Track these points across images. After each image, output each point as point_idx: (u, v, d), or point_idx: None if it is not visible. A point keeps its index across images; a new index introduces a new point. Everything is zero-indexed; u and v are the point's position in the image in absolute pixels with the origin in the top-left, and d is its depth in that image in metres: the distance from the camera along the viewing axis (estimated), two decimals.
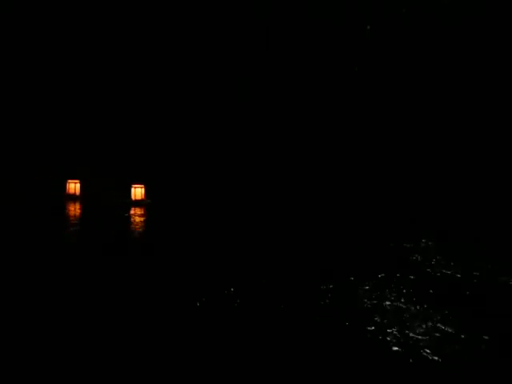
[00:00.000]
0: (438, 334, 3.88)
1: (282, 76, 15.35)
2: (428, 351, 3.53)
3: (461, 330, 4.00)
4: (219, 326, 3.73)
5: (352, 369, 3.20)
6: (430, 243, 8.24)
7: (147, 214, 10.17)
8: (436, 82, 14.78)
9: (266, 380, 3.00)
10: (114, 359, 3.12)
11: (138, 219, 9.55)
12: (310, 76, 15.44)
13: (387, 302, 4.71)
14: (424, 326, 4.05)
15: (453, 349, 3.59)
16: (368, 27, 15.32)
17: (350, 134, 15.08)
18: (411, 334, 3.84)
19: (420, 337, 3.80)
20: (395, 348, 3.55)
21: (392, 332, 3.87)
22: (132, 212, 10.53)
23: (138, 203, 11.72)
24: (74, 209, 10.51)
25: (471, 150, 14.12)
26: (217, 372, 3.06)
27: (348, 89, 15.26)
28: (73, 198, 12.02)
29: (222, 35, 15.21)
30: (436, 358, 3.41)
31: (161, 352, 3.26)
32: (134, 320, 3.72)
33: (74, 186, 12.00)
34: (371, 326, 4.00)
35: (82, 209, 10.51)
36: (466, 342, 3.74)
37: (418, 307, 4.60)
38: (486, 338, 3.85)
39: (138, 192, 11.75)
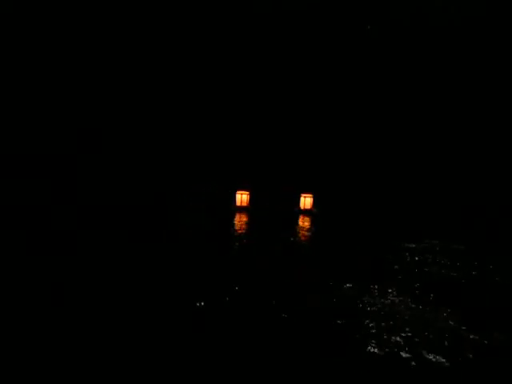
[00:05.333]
0: (438, 334, 3.90)
1: (280, 75, 15.35)
2: (428, 351, 3.55)
3: (461, 329, 4.02)
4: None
5: (351, 369, 3.23)
6: (431, 244, 8.27)
7: (314, 224, 10.64)
8: (436, 82, 14.80)
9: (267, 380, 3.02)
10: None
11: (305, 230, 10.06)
12: (309, 75, 15.44)
13: (388, 303, 4.73)
14: (425, 326, 4.07)
15: (454, 348, 3.61)
16: (368, 27, 15.33)
17: (350, 134, 15.09)
18: (411, 334, 3.86)
19: (420, 337, 3.82)
20: (396, 348, 3.57)
21: (393, 332, 3.89)
22: (300, 220, 11.06)
23: (306, 212, 11.95)
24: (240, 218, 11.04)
25: (471, 151, 14.15)
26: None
27: (348, 88, 15.26)
28: (243, 209, 11.98)
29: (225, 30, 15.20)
30: (437, 357, 3.43)
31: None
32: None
33: (243, 198, 12.01)
34: (372, 326, 4.02)
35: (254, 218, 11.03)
36: (467, 342, 3.76)
37: (418, 307, 4.62)
38: (487, 337, 3.88)
39: (307, 201, 11.98)
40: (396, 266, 6.56)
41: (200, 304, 4.37)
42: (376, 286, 5.38)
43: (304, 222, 10.82)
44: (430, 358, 3.50)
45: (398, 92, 14.94)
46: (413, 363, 3.39)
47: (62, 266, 5.54)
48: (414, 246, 8.19)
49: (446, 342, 3.81)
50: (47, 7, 14.77)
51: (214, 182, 13.41)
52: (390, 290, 5.25)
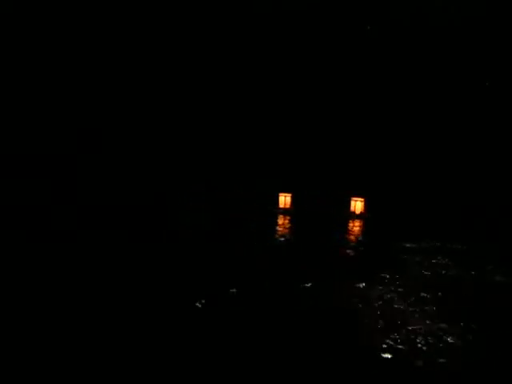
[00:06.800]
0: (437, 334, 3.91)
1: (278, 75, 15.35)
2: (427, 351, 3.56)
3: (460, 329, 4.03)
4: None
5: (348, 370, 3.23)
6: (430, 243, 8.27)
7: (366, 227, 10.61)
8: (436, 82, 14.79)
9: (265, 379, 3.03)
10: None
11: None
12: (307, 76, 15.44)
13: (386, 302, 4.74)
14: (423, 326, 4.08)
15: (452, 349, 3.62)
16: (368, 27, 15.31)
17: (349, 135, 15.08)
18: (411, 335, 3.87)
19: (419, 337, 3.83)
20: (394, 348, 3.58)
21: (391, 332, 3.90)
22: (351, 224, 11.08)
23: (357, 217, 12.06)
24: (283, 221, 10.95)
25: (471, 151, 14.14)
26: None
27: (348, 88, 15.26)
28: (286, 211, 11.92)
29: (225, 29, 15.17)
30: (435, 357, 3.44)
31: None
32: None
33: (287, 200, 11.96)
34: (371, 326, 4.02)
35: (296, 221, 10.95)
36: (466, 342, 3.77)
37: (417, 307, 4.63)
38: (485, 337, 3.88)
39: (357, 205, 12.16)
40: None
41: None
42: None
43: (353, 228, 10.85)
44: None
45: (398, 92, 14.94)
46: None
47: (62, 265, 5.55)
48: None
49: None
50: (47, 7, 14.77)
51: (254, 183, 13.25)
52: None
